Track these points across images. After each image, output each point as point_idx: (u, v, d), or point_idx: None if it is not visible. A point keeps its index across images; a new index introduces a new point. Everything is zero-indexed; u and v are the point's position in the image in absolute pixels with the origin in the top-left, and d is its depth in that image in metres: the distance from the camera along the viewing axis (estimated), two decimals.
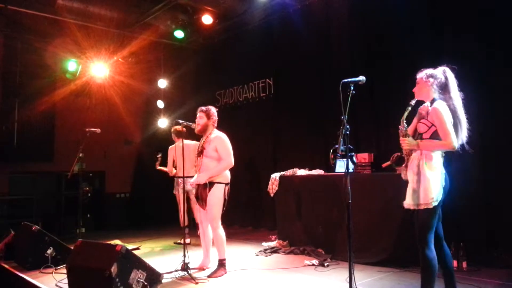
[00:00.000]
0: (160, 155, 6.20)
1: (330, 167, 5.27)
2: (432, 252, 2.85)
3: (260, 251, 5.19)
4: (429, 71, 3.05)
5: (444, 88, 3.00)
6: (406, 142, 2.97)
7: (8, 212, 6.81)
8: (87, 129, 5.49)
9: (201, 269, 4.36)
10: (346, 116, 2.90)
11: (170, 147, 6.26)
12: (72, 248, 3.75)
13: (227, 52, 7.85)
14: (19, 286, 4.27)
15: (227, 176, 4.24)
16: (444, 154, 2.98)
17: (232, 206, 7.03)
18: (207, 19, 6.97)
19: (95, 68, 7.57)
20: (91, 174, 7.87)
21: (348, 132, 2.95)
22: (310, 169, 5.54)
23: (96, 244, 3.67)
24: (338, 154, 3.02)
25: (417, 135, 3.03)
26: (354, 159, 3.14)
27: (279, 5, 6.53)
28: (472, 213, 4.34)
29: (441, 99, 2.97)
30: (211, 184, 4.14)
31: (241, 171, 7.02)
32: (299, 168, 5.60)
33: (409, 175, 2.98)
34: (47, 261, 4.48)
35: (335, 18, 6.00)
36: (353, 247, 2.94)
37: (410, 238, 4.09)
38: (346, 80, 3.00)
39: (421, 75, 3.06)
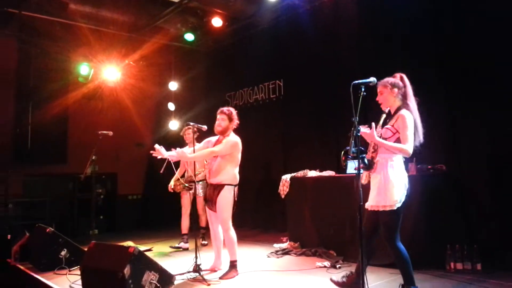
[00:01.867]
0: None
1: (341, 169, 5.25)
2: (401, 246, 3.08)
3: (272, 252, 5.19)
4: (390, 80, 3.24)
5: (404, 96, 3.23)
6: (368, 134, 3.06)
7: (22, 214, 6.92)
8: (99, 132, 5.55)
9: (213, 270, 4.37)
10: (357, 118, 2.90)
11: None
12: (86, 249, 3.79)
13: (237, 54, 7.87)
14: (34, 287, 4.33)
15: (236, 177, 4.25)
16: (404, 159, 3.18)
17: (243, 207, 7.08)
18: (217, 21, 7.01)
19: (107, 72, 7.65)
20: (103, 176, 7.96)
21: (359, 134, 2.94)
22: (321, 171, 5.52)
23: (109, 246, 3.71)
24: (349, 156, 3.02)
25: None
26: (365, 160, 3.13)
27: (288, 6, 6.53)
28: (486, 214, 4.29)
29: (404, 107, 3.17)
30: (221, 186, 4.16)
31: (252, 172, 7.03)
32: (310, 170, 5.59)
33: (375, 178, 3.17)
34: (61, 263, 4.55)
35: (344, 19, 5.97)
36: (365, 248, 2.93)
37: (422, 239, 4.08)
38: (356, 81, 3.00)
39: (384, 84, 3.24)
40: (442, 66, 4.75)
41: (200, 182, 5.81)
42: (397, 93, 3.22)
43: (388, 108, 3.26)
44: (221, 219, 4.19)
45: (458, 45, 4.60)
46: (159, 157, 4.23)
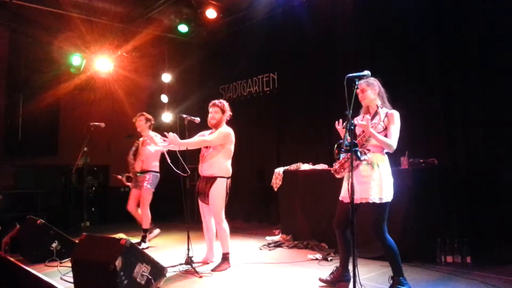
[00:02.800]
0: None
1: (334, 162, 5.26)
2: (390, 238, 3.15)
3: (264, 245, 5.21)
4: (369, 80, 3.33)
5: (382, 95, 3.36)
6: (364, 125, 3.16)
7: (13, 206, 6.87)
8: (91, 124, 5.50)
9: (205, 263, 4.38)
10: (350, 111, 2.89)
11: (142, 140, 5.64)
12: (77, 241, 3.77)
13: (231, 47, 7.83)
14: (25, 279, 4.30)
15: (228, 170, 4.24)
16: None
17: (236, 200, 7.10)
18: (211, 13, 6.95)
19: (100, 63, 7.57)
20: (95, 168, 7.91)
21: (352, 127, 2.95)
22: (314, 164, 5.53)
23: (101, 238, 3.68)
24: (343, 149, 3.02)
25: (367, 136, 3.24)
26: (359, 154, 3.14)
27: None
28: (477, 208, 4.33)
29: (384, 106, 3.31)
30: (213, 178, 4.15)
31: (245, 165, 7.03)
32: (303, 163, 5.59)
33: (364, 172, 3.21)
34: (52, 255, 4.52)
35: (340, 12, 5.96)
36: (357, 241, 2.95)
37: (413, 232, 4.11)
38: (351, 74, 2.99)
39: (367, 83, 3.34)
40: (440, 62, 4.76)
41: (139, 174, 5.40)
42: (378, 91, 3.35)
43: (381, 107, 3.33)
44: (213, 212, 4.19)
45: (456, 41, 4.60)
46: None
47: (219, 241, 4.25)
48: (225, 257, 4.19)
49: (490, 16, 4.31)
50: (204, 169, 4.23)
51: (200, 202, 4.35)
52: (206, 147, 4.26)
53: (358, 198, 3.21)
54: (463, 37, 4.55)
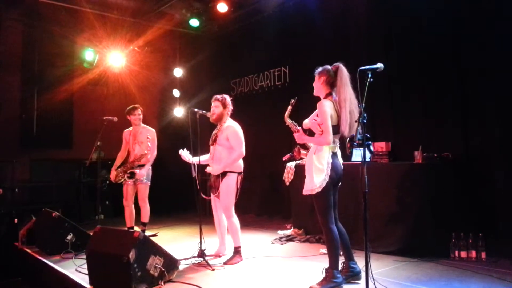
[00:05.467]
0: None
1: (347, 156, 5.22)
2: (334, 229, 3.23)
3: (276, 239, 5.22)
4: (324, 68, 3.35)
5: (332, 85, 3.28)
6: (296, 136, 3.38)
7: (29, 198, 6.99)
8: (104, 118, 5.55)
9: (217, 256, 4.41)
10: (363, 105, 2.87)
11: (126, 130, 5.73)
12: (91, 234, 3.83)
13: (243, 41, 7.80)
14: (41, 271, 4.39)
15: (239, 165, 4.25)
16: (335, 146, 3.30)
17: (248, 194, 7.11)
18: (222, 7, 6.93)
19: (112, 58, 7.62)
20: (109, 162, 7.98)
21: (365, 121, 2.91)
22: None
23: (115, 231, 3.73)
24: (355, 143, 3.00)
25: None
26: (371, 148, 3.12)
27: None
28: (492, 203, 4.27)
29: (333, 95, 3.27)
30: (224, 173, 4.17)
31: (257, 160, 7.02)
32: None
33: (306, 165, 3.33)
34: (67, 247, 4.59)
35: (353, 5, 5.88)
36: (369, 236, 2.93)
37: (427, 227, 4.08)
38: (363, 67, 2.95)
39: (317, 71, 3.37)
40: (454, 56, 4.68)
41: (144, 167, 5.40)
42: (324, 81, 3.31)
43: (294, 100, 3.54)
44: (223, 207, 4.21)
45: (471, 36, 4.53)
46: (187, 159, 4.29)
47: (230, 236, 4.27)
48: (237, 251, 4.21)
49: (507, 13, 4.21)
50: (215, 165, 4.23)
51: (212, 196, 4.38)
52: (213, 144, 4.27)
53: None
54: (478, 32, 4.46)
